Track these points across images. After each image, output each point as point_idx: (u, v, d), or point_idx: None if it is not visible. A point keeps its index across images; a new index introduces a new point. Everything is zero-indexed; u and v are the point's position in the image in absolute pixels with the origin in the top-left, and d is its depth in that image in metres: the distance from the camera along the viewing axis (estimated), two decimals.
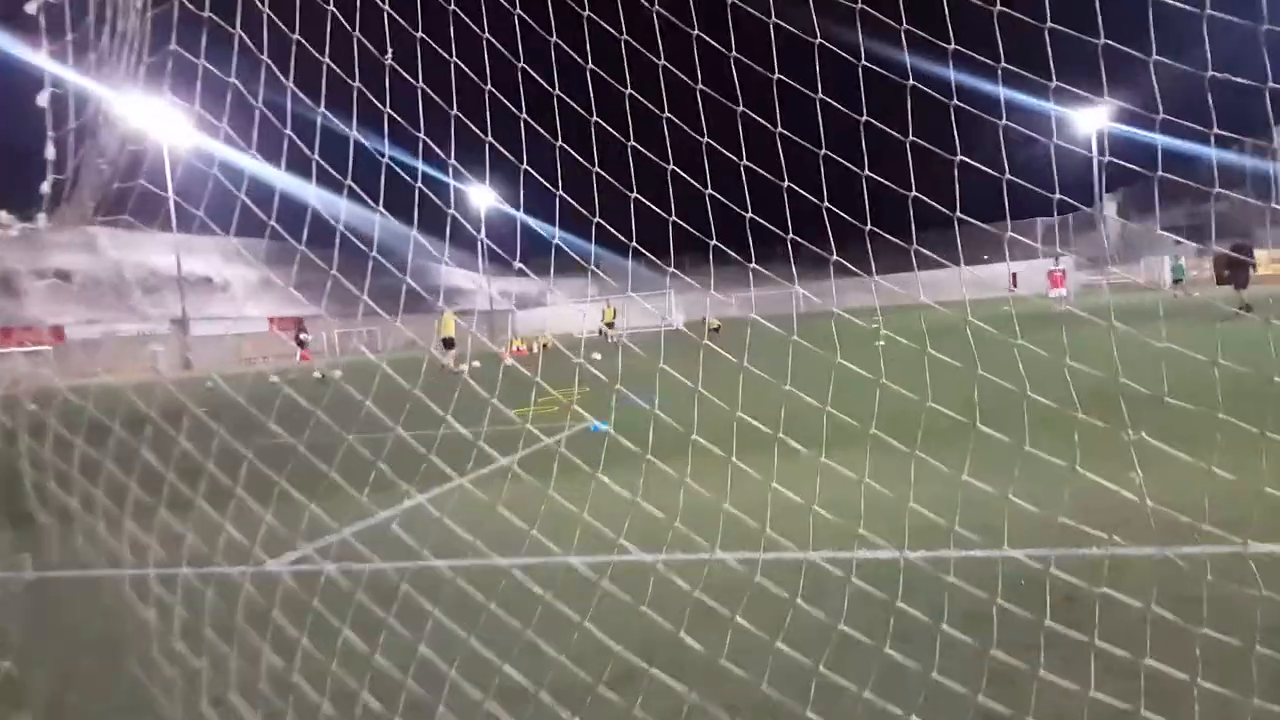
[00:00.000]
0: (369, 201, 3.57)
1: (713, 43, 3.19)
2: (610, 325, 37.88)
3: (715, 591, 3.36)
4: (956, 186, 3.10)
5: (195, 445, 3.46)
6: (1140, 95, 2.92)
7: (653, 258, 3.25)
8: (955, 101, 2.95)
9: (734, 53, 3.15)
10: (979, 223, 3.07)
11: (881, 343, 3.85)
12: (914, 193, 3.12)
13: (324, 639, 3.37)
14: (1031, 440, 2.96)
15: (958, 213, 3.15)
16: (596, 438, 4.08)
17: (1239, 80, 2.70)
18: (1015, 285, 46.65)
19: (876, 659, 3.04)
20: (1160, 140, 3.01)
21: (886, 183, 3.12)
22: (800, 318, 3.37)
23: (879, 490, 3.31)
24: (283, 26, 3.32)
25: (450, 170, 3.65)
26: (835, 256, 3.15)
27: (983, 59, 2.86)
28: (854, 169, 3.10)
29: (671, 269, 3.31)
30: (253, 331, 54.66)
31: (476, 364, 21.13)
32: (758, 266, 3.22)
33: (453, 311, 30.02)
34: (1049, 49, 2.82)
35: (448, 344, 26.65)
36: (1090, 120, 3.72)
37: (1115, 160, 3.21)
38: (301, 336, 36.93)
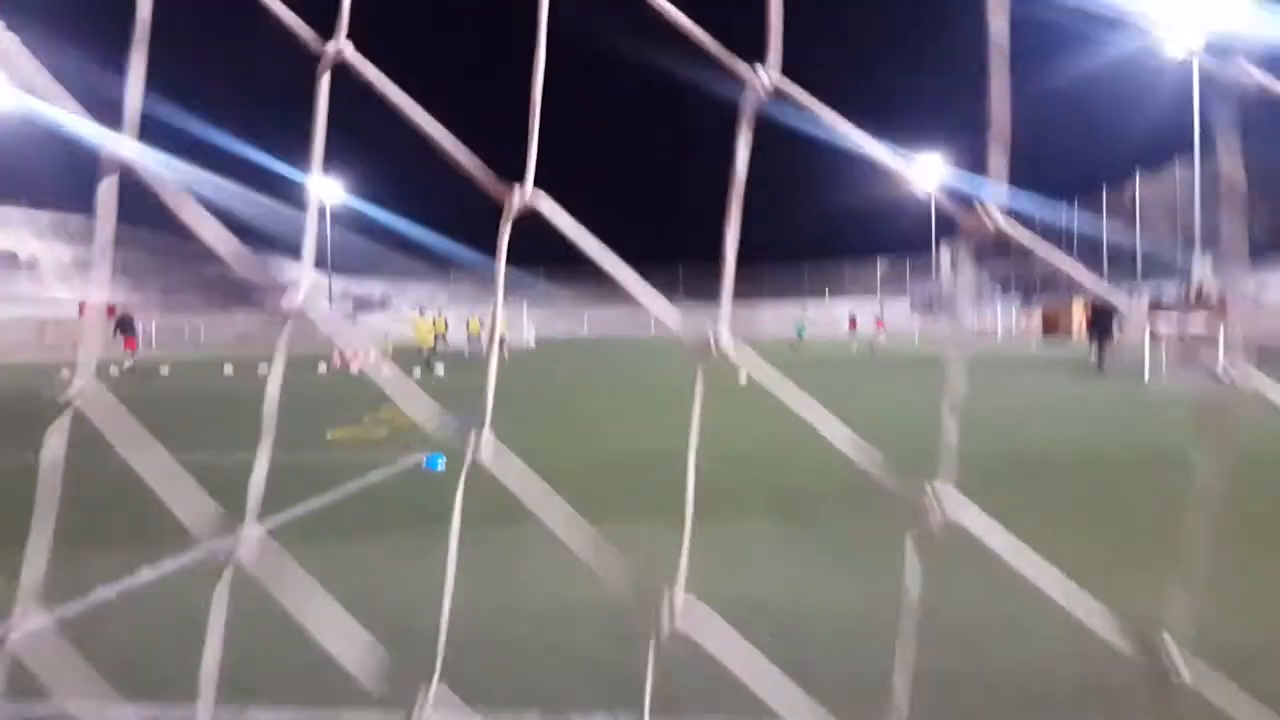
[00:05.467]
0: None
1: None
2: (477, 336, 35.80)
3: None
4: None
5: None
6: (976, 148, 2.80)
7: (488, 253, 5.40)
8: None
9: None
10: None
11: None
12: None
13: None
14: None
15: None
16: (429, 480, 3.13)
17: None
18: (854, 326, 44.42)
19: None
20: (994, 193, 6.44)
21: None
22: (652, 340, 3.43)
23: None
24: None
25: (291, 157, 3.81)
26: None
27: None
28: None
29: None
30: (62, 316, 49.57)
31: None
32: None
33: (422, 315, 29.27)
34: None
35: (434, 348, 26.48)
36: (931, 167, 4.46)
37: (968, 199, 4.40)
38: (124, 319, 24.48)
